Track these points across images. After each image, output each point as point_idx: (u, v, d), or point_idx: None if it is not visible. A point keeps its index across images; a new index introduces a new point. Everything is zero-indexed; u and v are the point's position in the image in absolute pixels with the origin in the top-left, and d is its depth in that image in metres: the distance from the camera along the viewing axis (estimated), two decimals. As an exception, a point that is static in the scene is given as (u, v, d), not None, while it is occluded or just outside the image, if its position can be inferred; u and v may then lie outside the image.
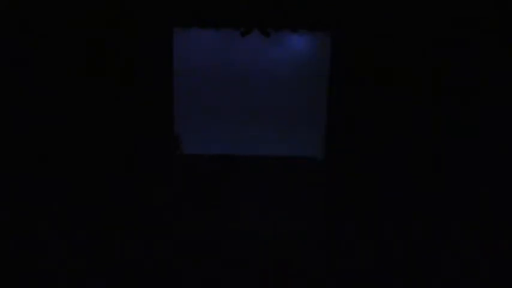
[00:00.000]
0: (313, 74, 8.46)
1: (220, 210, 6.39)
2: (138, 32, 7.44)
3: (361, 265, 4.61)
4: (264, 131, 8.67)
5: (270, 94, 8.52)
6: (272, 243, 5.14)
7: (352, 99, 7.98)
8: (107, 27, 7.30)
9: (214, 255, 4.77)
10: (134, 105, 7.65)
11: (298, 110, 8.61)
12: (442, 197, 6.76)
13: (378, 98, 7.85)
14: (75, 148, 7.34)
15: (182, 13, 7.61)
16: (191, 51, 8.23)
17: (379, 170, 7.69)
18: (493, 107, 7.24)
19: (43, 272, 4.31)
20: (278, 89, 8.51)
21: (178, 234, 5.40)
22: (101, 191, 6.73)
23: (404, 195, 6.87)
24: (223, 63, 8.37)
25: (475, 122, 7.37)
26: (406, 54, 7.60)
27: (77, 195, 6.45)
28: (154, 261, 4.57)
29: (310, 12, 7.59)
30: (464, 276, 4.44)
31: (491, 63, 7.15)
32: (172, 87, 8.02)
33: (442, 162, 7.51)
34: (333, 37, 8.10)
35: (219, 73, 8.39)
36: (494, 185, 6.84)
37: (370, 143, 7.94)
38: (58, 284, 4.14)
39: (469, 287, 4.29)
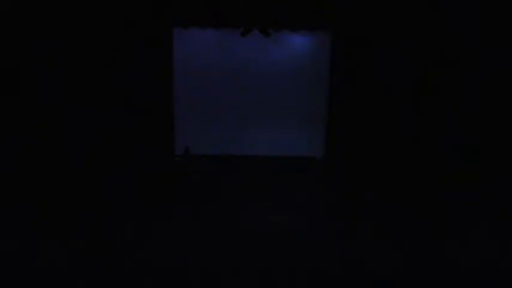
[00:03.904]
0: (313, 74, 8.46)
1: (220, 209, 6.39)
2: (138, 32, 7.45)
3: (361, 264, 4.61)
4: (265, 131, 8.67)
5: (270, 94, 8.52)
6: (272, 243, 5.14)
7: (352, 99, 7.99)
8: (107, 27, 7.32)
9: (214, 255, 4.78)
10: (134, 105, 7.66)
11: (298, 110, 8.61)
12: (442, 197, 6.77)
13: (378, 98, 7.86)
14: (75, 148, 7.34)
15: (182, 13, 7.62)
16: (191, 51, 8.23)
17: (379, 170, 7.70)
18: (493, 107, 7.25)
19: (42, 271, 4.31)
20: (278, 89, 8.50)
21: (178, 234, 5.40)
22: (101, 190, 6.74)
23: (404, 195, 6.87)
24: (223, 63, 8.37)
25: (475, 122, 7.38)
26: (406, 55, 7.60)
27: (78, 195, 6.45)
28: (154, 260, 4.57)
29: (310, 12, 7.60)
30: (464, 275, 4.45)
31: (491, 64, 7.16)
32: (172, 87, 8.03)
33: (442, 161, 7.51)
34: (333, 37, 8.11)
35: (219, 73, 8.38)
36: (495, 185, 6.84)
37: (370, 143, 7.94)
38: (58, 283, 4.14)
39: (469, 286, 4.29)
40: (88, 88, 7.39)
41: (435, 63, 7.50)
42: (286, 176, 8.22)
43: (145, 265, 4.48)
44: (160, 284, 4.19)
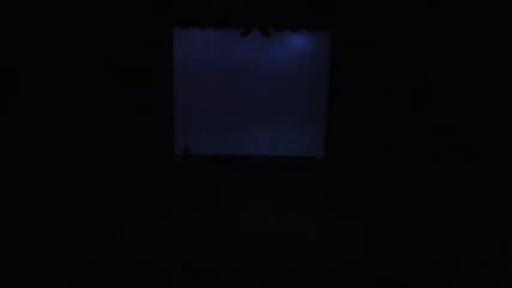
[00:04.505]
0: (313, 74, 8.46)
1: (220, 209, 6.39)
2: (138, 32, 7.45)
3: (361, 264, 4.61)
4: (265, 131, 8.67)
5: (270, 94, 8.52)
6: (272, 243, 5.14)
7: (352, 99, 7.99)
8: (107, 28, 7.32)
9: (214, 255, 4.77)
10: (134, 105, 7.66)
11: (298, 110, 8.61)
12: (441, 196, 6.77)
13: (378, 98, 7.86)
14: (75, 148, 7.34)
15: (182, 13, 7.62)
16: (191, 51, 8.23)
17: (379, 170, 7.70)
18: (493, 107, 7.25)
19: (42, 271, 4.31)
20: (278, 89, 8.50)
21: (178, 234, 5.40)
22: (101, 190, 6.74)
23: (403, 195, 6.87)
24: (223, 63, 8.37)
25: (475, 122, 7.38)
26: (406, 55, 7.60)
27: (78, 195, 6.45)
28: (154, 260, 4.58)
29: (310, 12, 7.59)
30: (463, 275, 4.45)
31: (491, 64, 7.16)
32: (172, 87, 8.03)
33: (441, 161, 7.51)
34: (333, 37, 8.10)
35: (219, 73, 8.38)
36: (494, 184, 6.84)
37: (370, 143, 7.94)
38: (57, 283, 4.14)
39: (469, 286, 4.29)
40: (88, 88, 7.39)
41: (435, 63, 7.50)
42: (286, 176, 8.22)
43: (145, 265, 4.48)
44: (161, 284, 4.19)
